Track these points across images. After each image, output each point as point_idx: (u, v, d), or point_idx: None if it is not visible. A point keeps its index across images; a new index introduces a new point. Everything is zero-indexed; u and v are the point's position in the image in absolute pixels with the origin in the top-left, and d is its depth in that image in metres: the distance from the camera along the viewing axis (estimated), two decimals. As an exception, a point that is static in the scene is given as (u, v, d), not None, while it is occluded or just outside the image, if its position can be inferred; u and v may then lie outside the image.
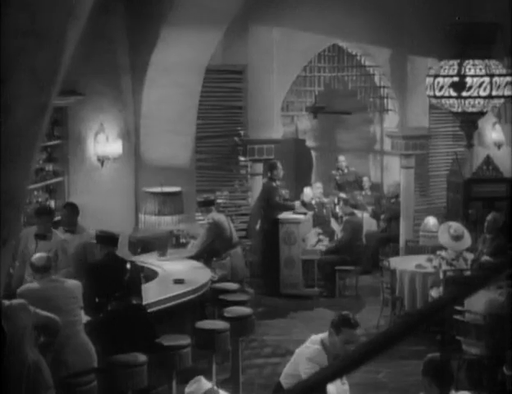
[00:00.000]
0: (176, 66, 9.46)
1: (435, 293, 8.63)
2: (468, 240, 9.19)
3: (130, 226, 9.60)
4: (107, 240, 6.76)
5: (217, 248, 8.86)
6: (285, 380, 5.24)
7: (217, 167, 10.81)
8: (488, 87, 9.45)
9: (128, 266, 6.72)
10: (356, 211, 11.69)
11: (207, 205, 9.03)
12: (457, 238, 9.09)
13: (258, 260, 10.76)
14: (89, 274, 6.62)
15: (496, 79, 9.47)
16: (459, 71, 9.54)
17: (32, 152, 3.17)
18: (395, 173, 12.39)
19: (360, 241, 11.28)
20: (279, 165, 10.81)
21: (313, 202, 12.28)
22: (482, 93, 9.47)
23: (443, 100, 9.76)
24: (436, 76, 9.72)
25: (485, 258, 8.63)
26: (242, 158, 10.88)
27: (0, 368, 5.00)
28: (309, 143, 14.59)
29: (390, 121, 11.72)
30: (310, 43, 10.82)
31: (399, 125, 11.42)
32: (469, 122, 9.93)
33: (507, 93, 9.59)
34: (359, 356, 1.77)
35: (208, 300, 8.11)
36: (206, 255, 8.85)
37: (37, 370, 5.25)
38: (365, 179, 13.18)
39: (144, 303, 6.70)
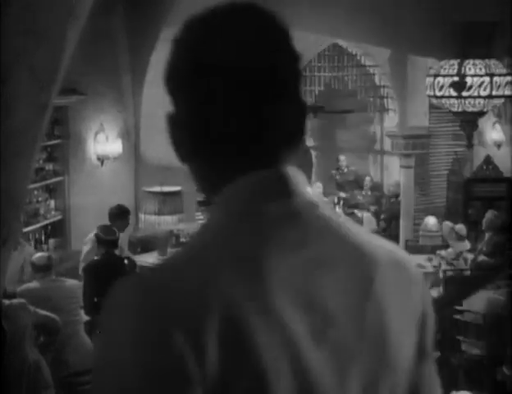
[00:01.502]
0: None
1: (435, 293, 8.63)
2: (467, 243, 9.26)
3: (129, 225, 9.60)
4: (107, 241, 6.76)
5: (217, 247, 8.86)
6: None
7: (217, 167, 10.80)
8: (488, 87, 9.45)
9: (126, 262, 6.75)
10: (356, 211, 11.69)
11: (207, 205, 9.01)
12: (461, 238, 9.14)
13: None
14: (88, 274, 6.62)
15: (496, 78, 9.47)
16: (460, 70, 9.54)
17: (32, 151, 3.17)
18: (395, 173, 12.39)
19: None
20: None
21: (313, 201, 12.26)
22: (483, 93, 9.47)
23: (443, 100, 9.76)
24: (436, 76, 9.73)
25: (482, 257, 8.65)
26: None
27: (0, 366, 5.00)
28: (309, 142, 14.58)
29: (390, 121, 11.71)
30: (310, 42, 10.82)
31: (399, 125, 11.41)
32: (469, 122, 9.93)
33: (507, 92, 9.59)
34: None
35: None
36: (206, 255, 8.84)
37: (37, 369, 5.25)
38: (367, 179, 13.17)
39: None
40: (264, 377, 1.02)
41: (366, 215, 12.22)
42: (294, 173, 1.13)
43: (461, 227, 9.27)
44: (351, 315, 1.10)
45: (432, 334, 1.24)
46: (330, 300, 1.09)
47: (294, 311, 1.05)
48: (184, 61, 1.15)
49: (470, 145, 10.37)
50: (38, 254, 6.25)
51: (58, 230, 9.28)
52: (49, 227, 9.17)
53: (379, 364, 1.13)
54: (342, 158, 13.49)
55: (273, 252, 1.06)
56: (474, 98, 9.51)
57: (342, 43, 11.25)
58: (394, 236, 11.53)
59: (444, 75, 9.63)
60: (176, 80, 1.18)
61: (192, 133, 1.16)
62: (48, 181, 9.19)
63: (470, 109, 9.63)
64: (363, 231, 1.20)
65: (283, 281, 1.05)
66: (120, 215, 7.72)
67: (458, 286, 8.40)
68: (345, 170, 13.45)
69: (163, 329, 0.99)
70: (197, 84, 1.13)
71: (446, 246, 9.49)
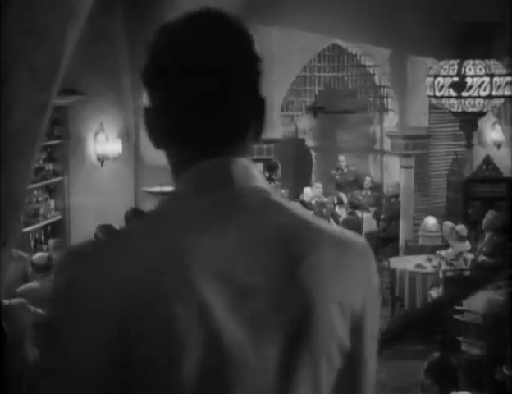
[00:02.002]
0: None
1: (435, 293, 8.63)
2: (467, 244, 9.26)
3: (129, 225, 9.60)
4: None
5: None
6: None
7: (216, 167, 10.79)
8: (488, 87, 9.45)
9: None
10: (357, 211, 11.69)
11: None
12: (461, 238, 9.14)
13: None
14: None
15: (496, 79, 9.47)
16: (459, 70, 9.54)
17: (32, 151, 3.17)
18: (394, 173, 12.38)
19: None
20: (279, 165, 10.80)
21: (313, 202, 12.28)
22: (482, 93, 9.47)
23: (443, 100, 9.76)
24: (436, 76, 9.73)
25: (482, 257, 8.64)
26: (242, 158, 10.87)
27: (0, 367, 5.00)
28: (309, 142, 14.58)
29: (390, 121, 11.71)
30: (310, 42, 10.81)
31: (398, 125, 11.41)
32: (469, 122, 9.93)
33: (507, 93, 9.59)
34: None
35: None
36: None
37: (37, 370, 5.25)
38: (367, 179, 13.16)
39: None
40: (178, 345, 1.13)
41: (366, 215, 12.22)
42: (245, 163, 1.28)
43: (462, 228, 9.28)
44: (272, 292, 1.19)
45: (377, 319, 1.32)
46: (252, 276, 1.19)
47: (214, 285, 1.16)
48: (153, 64, 1.30)
49: (470, 145, 10.37)
50: (38, 254, 6.25)
51: (58, 230, 9.27)
52: (49, 227, 9.17)
53: (299, 342, 1.21)
54: (342, 158, 13.49)
55: (203, 230, 1.20)
56: (474, 98, 9.51)
57: (342, 43, 11.25)
58: (394, 236, 11.54)
59: (444, 76, 9.63)
60: (148, 80, 1.31)
61: (161, 125, 1.30)
62: (48, 181, 9.19)
63: (470, 109, 9.63)
64: (312, 216, 1.32)
65: (207, 257, 1.17)
66: (135, 218, 7.71)
67: (458, 286, 8.40)
68: (345, 170, 13.45)
69: (92, 295, 1.16)
70: (165, 83, 1.28)
71: (446, 246, 9.49)
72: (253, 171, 1.29)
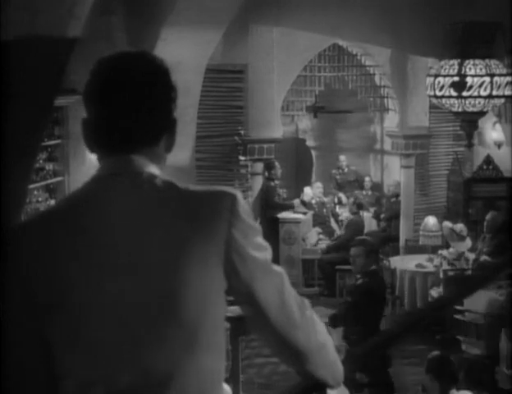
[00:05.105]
0: (176, 66, 9.41)
1: (435, 293, 8.63)
2: (468, 241, 9.24)
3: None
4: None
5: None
6: None
7: (217, 167, 10.81)
8: (489, 87, 9.44)
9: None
10: (360, 211, 11.70)
11: None
12: (462, 238, 9.14)
13: (258, 260, 10.73)
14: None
15: (496, 78, 9.46)
16: (460, 70, 9.54)
17: (33, 151, 3.17)
18: (395, 173, 12.38)
19: (360, 241, 11.28)
20: (277, 164, 10.80)
21: (313, 201, 12.28)
22: (483, 93, 9.47)
23: (443, 100, 9.76)
24: (436, 76, 9.72)
25: (484, 257, 8.64)
26: (242, 158, 10.88)
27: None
28: (309, 142, 14.57)
29: (391, 121, 11.71)
30: (310, 42, 10.82)
31: (399, 125, 11.41)
32: (470, 122, 9.92)
33: (507, 92, 9.58)
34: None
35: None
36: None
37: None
38: (367, 179, 13.15)
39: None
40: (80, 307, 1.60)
41: (366, 215, 12.21)
42: (142, 160, 1.71)
43: (461, 227, 9.27)
44: (142, 243, 1.61)
45: (253, 246, 1.68)
46: (133, 229, 1.62)
47: (107, 235, 1.61)
48: (87, 86, 1.72)
49: (470, 145, 10.36)
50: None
51: (58, 230, 9.26)
52: (49, 227, 9.15)
53: (165, 283, 1.62)
54: (342, 157, 13.48)
55: (97, 209, 1.65)
56: (474, 98, 9.50)
57: (342, 42, 11.25)
58: (394, 236, 11.53)
59: (444, 75, 9.62)
60: (84, 99, 1.72)
61: (91, 134, 1.73)
62: (48, 181, 9.19)
63: (470, 109, 9.62)
64: (188, 185, 1.71)
65: (98, 232, 1.62)
66: None
67: (458, 285, 8.40)
68: (346, 170, 13.44)
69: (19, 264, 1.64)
70: (94, 102, 1.71)
71: (447, 246, 9.49)
72: (148, 165, 1.71)
